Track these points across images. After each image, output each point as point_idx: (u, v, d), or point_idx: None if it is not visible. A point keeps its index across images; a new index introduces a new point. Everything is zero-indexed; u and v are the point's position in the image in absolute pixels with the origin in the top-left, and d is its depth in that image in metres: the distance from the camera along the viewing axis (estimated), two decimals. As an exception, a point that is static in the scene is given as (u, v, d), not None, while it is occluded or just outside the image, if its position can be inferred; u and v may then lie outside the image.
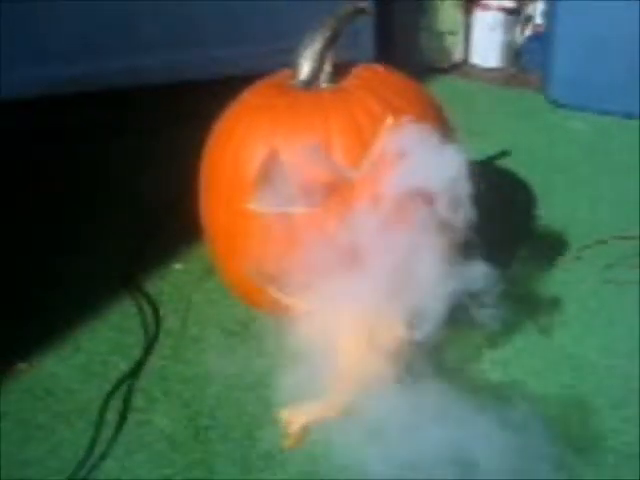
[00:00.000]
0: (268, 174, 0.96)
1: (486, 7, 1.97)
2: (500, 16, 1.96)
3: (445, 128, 1.05)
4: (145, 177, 1.49)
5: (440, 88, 1.90)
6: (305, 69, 1.03)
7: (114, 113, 1.73)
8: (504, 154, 1.58)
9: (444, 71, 1.98)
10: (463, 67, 2.01)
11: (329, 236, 0.93)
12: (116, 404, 1.04)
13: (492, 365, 1.08)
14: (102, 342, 1.15)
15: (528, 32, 2.00)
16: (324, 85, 1.04)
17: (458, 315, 0.96)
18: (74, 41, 1.77)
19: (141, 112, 1.71)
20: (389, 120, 0.97)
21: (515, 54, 1.99)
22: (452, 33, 1.98)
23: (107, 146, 1.63)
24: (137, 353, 1.12)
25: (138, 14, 1.78)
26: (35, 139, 1.66)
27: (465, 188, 0.91)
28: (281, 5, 1.79)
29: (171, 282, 1.27)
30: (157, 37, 1.79)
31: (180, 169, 1.19)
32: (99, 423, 1.00)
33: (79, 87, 1.76)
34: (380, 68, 1.09)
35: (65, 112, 1.71)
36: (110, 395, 1.04)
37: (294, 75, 1.05)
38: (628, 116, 1.68)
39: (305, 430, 0.99)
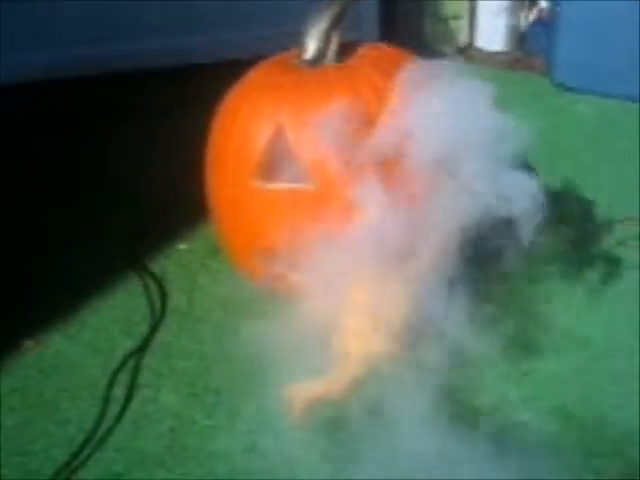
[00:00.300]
0: (274, 151, 0.97)
1: (491, -9, 1.96)
2: (505, 0, 1.95)
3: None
4: (150, 159, 1.49)
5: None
6: (311, 48, 1.04)
7: (117, 95, 1.73)
8: (509, 137, 1.57)
9: (449, 55, 1.98)
10: (468, 51, 2.01)
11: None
12: (123, 380, 1.04)
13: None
14: (108, 320, 1.16)
15: (533, 16, 1.99)
16: (330, 63, 1.04)
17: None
18: (75, 24, 1.76)
19: (144, 94, 1.71)
20: (395, 97, 0.97)
21: (520, 38, 1.99)
22: (457, 17, 1.97)
23: (111, 129, 1.63)
24: (143, 331, 1.13)
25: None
26: (36, 122, 1.66)
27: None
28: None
29: (176, 262, 1.27)
30: (160, 20, 1.78)
31: (184, 151, 1.19)
32: (106, 399, 1.00)
33: (80, 71, 1.75)
34: (385, 46, 1.09)
35: (67, 95, 1.71)
36: (117, 371, 1.05)
37: (300, 54, 1.05)
38: (633, 99, 1.68)
39: (310, 406, 0.99)
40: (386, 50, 1.10)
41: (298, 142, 0.96)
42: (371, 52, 1.07)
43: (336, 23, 1.04)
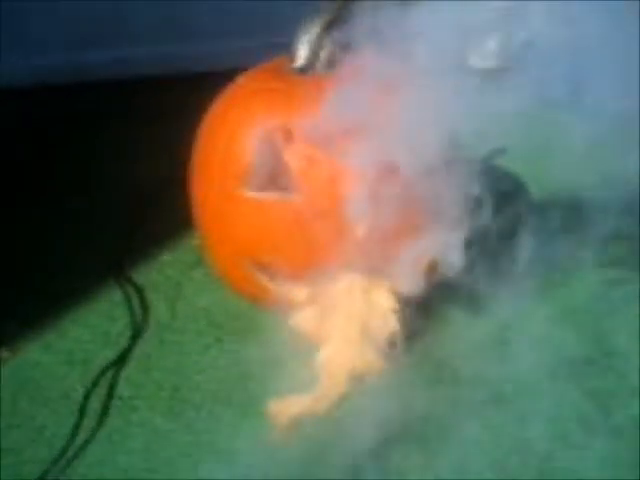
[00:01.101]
0: (262, 159, 0.95)
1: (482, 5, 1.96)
2: (495, 14, 1.95)
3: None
4: (133, 167, 1.47)
5: (436, 86, 1.89)
6: (302, 54, 1.02)
7: (103, 103, 1.70)
8: (500, 152, 1.56)
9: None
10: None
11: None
12: (101, 392, 1.01)
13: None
14: (88, 330, 1.13)
15: (524, 31, 1.99)
16: (321, 71, 1.02)
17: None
18: (60, 31, 1.74)
19: (131, 103, 1.69)
20: (387, 105, 0.95)
21: (510, 52, 1.98)
22: (449, 31, 1.96)
23: (95, 136, 1.61)
24: (123, 342, 1.10)
25: (130, 5, 1.76)
26: (24, 129, 1.64)
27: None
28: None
29: (159, 272, 1.25)
30: (149, 29, 1.77)
31: (169, 160, 1.17)
32: (81, 412, 0.97)
33: (67, 78, 1.73)
34: (378, 54, 1.07)
35: (52, 102, 1.69)
36: (94, 383, 1.02)
37: (291, 61, 1.03)
38: (625, 114, 1.67)
39: (294, 423, 0.97)
40: (380, 58, 1.08)
41: (286, 151, 0.94)
42: (365, 59, 1.05)
43: (329, 29, 1.02)
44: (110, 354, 1.08)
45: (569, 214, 1.18)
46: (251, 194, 0.96)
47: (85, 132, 1.62)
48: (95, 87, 1.73)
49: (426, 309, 1.07)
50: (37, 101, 1.69)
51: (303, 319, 1.02)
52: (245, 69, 1.08)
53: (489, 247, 1.07)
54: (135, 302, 1.18)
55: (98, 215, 1.36)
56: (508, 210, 1.09)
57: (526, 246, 1.13)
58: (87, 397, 0.99)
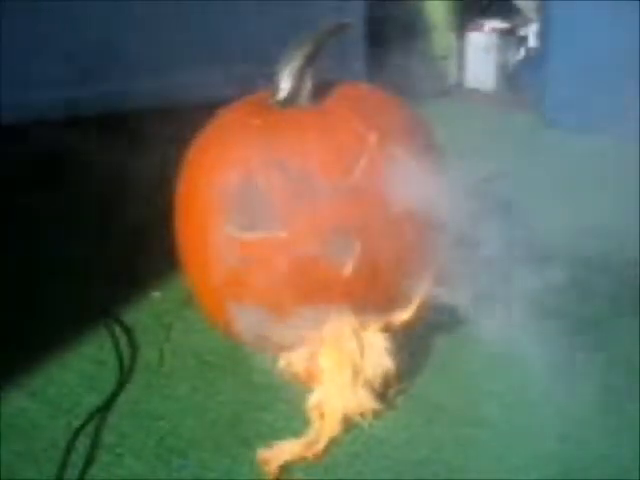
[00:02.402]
0: (244, 196, 0.91)
1: (479, 28, 1.94)
2: (494, 38, 1.93)
3: (431, 147, 1.00)
4: (123, 203, 1.44)
5: (435, 111, 1.85)
6: (284, 87, 0.99)
7: (87, 139, 1.69)
8: (499, 175, 1.54)
9: (439, 94, 1.95)
10: (458, 90, 1.98)
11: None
12: (85, 441, 0.98)
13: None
14: (75, 375, 1.10)
15: (522, 53, 1.96)
16: (304, 104, 0.99)
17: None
18: (58, 67, 1.74)
19: (117, 137, 1.68)
20: (372, 138, 0.92)
21: (509, 76, 1.96)
22: (445, 56, 1.95)
23: (84, 171, 1.59)
24: (111, 387, 1.06)
25: (123, 40, 1.76)
26: (16, 163, 1.62)
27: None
28: (267, 29, 1.76)
29: (149, 311, 1.22)
30: (138, 61, 1.76)
31: (160, 195, 1.14)
32: (63, 464, 0.93)
33: (63, 112, 1.73)
34: (363, 86, 1.04)
35: (44, 137, 1.68)
36: (78, 432, 0.98)
37: (273, 94, 1.01)
38: (622, 137, 1.64)
39: (284, 470, 0.93)
40: (366, 90, 1.06)
41: (268, 187, 0.91)
42: (350, 92, 1.02)
43: (311, 61, 0.99)
44: (97, 400, 1.04)
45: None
46: (234, 233, 0.93)
47: (75, 165, 1.61)
48: (89, 121, 1.72)
49: (419, 346, 1.04)
50: (26, 136, 1.68)
51: (294, 360, 0.98)
52: (233, 99, 1.06)
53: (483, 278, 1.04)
54: (123, 345, 1.15)
55: (86, 255, 1.34)
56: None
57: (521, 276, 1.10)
58: (69, 449, 0.95)
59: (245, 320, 0.98)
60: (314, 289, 0.92)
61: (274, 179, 0.91)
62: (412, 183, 0.90)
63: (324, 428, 0.94)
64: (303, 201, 0.90)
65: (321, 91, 1.00)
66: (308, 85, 0.99)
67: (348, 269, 0.91)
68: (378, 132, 0.92)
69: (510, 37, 1.95)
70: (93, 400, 1.04)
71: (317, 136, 0.92)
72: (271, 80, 1.02)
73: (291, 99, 0.99)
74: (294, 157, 0.91)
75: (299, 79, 0.98)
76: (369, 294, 0.94)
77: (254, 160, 0.92)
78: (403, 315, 0.98)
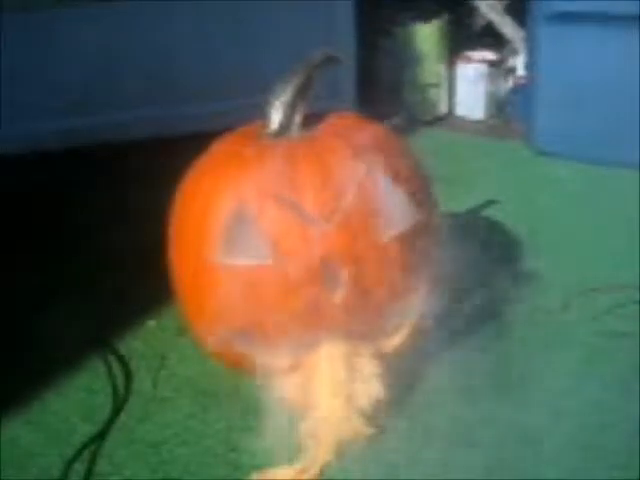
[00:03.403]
0: (236, 226, 0.93)
1: (469, 60, 1.97)
2: (483, 68, 1.96)
3: (419, 177, 1.02)
4: (118, 232, 1.46)
5: (425, 140, 1.89)
6: (275, 119, 1.01)
7: (88, 168, 1.71)
8: (489, 204, 1.55)
9: (429, 123, 1.97)
10: (447, 119, 2.00)
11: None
12: (80, 469, 0.98)
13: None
14: (70, 404, 1.10)
15: (511, 83, 1.99)
16: (295, 135, 1.02)
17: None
18: (55, 97, 1.76)
19: (115, 167, 1.70)
20: (362, 168, 0.95)
21: (499, 105, 1.99)
22: (435, 86, 1.97)
23: (77, 201, 1.60)
24: (106, 415, 1.07)
25: (119, 71, 1.78)
26: (8, 194, 1.64)
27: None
28: (264, 60, 1.79)
29: (144, 339, 1.23)
30: (138, 93, 1.78)
31: (155, 224, 1.16)
32: (58, 493, 0.94)
33: (57, 144, 1.74)
34: (352, 117, 1.07)
35: (38, 168, 1.70)
36: (72, 460, 0.99)
37: (265, 125, 1.03)
38: (613, 165, 1.66)
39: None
40: (356, 121, 1.08)
41: (260, 217, 0.92)
42: (339, 122, 1.05)
43: (301, 93, 1.02)
44: (92, 428, 1.05)
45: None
46: (226, 261, 0.94)
47: (69, 196, 1.62)
48: (86, 152, 1.74)
49: (411, 371, 1.05)
50: (30, 167, 1.69)
51: (286, 387, 0.99)
52: (228, 130, 1.08)
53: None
54: (118, 373, 1.15)
55: (81, 283, 1.35)
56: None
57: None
58: (65, 477, 0.96)
59: (237, 347, 0.99)
60: (305, 316, 0.94)
61: (265, 208, 0.93)
62: (401, 212, 0.92)
63: (317, 454, 0.95)
64: (294, 230, 0.92)
65: (312, 122, 1.03)
66: (299, 116, 1.01)
67: (338, 296, 0.92)
68: (367, 163, 0.95)
69: (499, 67, 1.98)
70: (88, 429, 1.05)
71: (307, 166, 0.95)
72: (262, 111, 1.05)
73: (282, 130, 1.01)
74: (286, 187, 0.93)
75: (290, 111, 1.01)
76: (360, 320, 0.95)
77: (246, 190, 0.94)
78: (394, 341, 1.00)
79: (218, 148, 1.03)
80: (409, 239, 0.95)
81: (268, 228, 0.92)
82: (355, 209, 0.92)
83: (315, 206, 0.92)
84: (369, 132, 1.01)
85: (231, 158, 0.99)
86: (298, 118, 1.01)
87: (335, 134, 1.00)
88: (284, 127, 1.01)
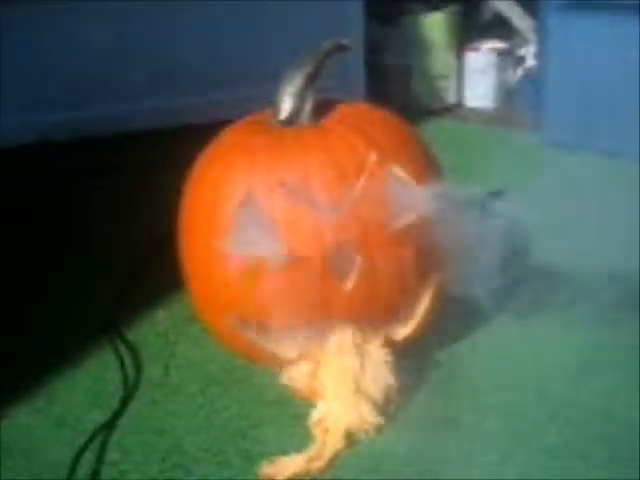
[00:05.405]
0: (244, 216, 0.93)
1: (477, 49, 1.96)
2: (492, 57, 1.95)
3: (430, 165, 1.02)
4: (128, 222, 1.46)
5: (435, 130, 1.88)
6: (285, 107, 1.01)
7: (97, 159, 1.71)
8: (499, 193, 1.54)
9: (438, 113, 1.97)
10: (457, 109, 2.00)
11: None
12: (90, 457, 0.98)
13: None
14: (80, 392, 1.11)
15: (520, 73, 1.98)
16: (305, 123, 1.01)
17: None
18: (59, 89, 1.76)
19: (127, 157, 1.70)
20: (372, 157, 0.94)
21: (508, 95, 1.98)
22: (444, 76, 1.97)
23: (88, 191, 1.61)
24: (115, 403, 1.07)
25: (124, 62, 1.78)
26: (17, 186, 1.64)
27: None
28: (271, 49, 1.79)
29: (154, 328, 1.23)
30: (142, 82, 1.78)
31: (164, 214, 1.16)
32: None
33: (64, 134, 1.75)
34: (363, 105, 1.06)
35: (48, 158, 1.70)
36: (82, 449, 0.99)
37: (274, 114, 1.03)
38: (622, 155, 1.65)
39: (289, 484, 0.93)
40: (366, 109, 1.08)
41: (269, 206, 0.92)
42: (348, 110, 1.04)
43: (311, 81, 1.01)
44: (101, 417, 1.05)
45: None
46: (236, 251, 0.94)
47: (79, 186, 1.62)
48: (91, 143, 1.74)
49: (421, 360, 1.05)
50: (35, 158, 1.70)
51: (296, 376, 0.99)
52: (236, 120, 1.08)
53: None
54: (128, 361, 1.16)
55: (91, 273, 1.35)
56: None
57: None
58: (73, 467, 0.96)
59: (248, 336, 0.99)
60: (316, 305, 0.94)
61: (275, 197, 0.93)
62: (412, 200, 0.91)
63: (327, 443, 0.95)
64: (304, 218, 0.92)
65: (321, 110, 1.02)
66: (309, 105, 1.01)
67: (349, 285, 0.92)
68: (378, 150, 0.94)
69: (508, 57, 1.97)
70: (97, 417, 1.05)
71: (318, 155, 0.94)
72: (269, 102, 1.05)
73: (292, 119, 1.01)
74: (295, 176, 0.92)
75: (300, 99, 1.00)
76: (370, 309, 0.95)
77: (255, 179, 0.94)
78: (404, 330, 0.99)
79: (227, 137, 1.03)
80: (419, 228, 0.94)
81: (278, 217, 0.92)
82: (366, 198, 0.92)
83: (325, 195, 0.92)
84: (380, 121, 1.00)
85: (240, 147, 0.98)
86: (308, 107, 1.01)
87: (345, 123, 0.99)
88: (294, 116, 1.01)
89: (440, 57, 1.95)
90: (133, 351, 1.18)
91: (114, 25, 1.76)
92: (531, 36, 1.97)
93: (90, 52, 1.76)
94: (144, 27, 1.77)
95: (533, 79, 1.88)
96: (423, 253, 0.95)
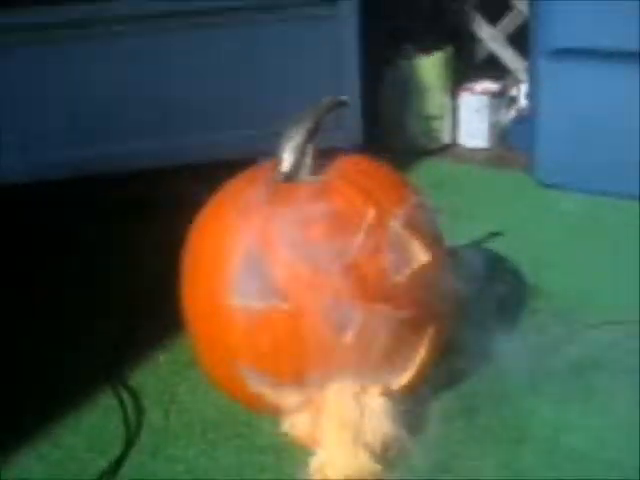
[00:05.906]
0: (247, 269, 0.95)
1: (471, 90, 2.01)
2: (485, 99, 1.99)
3: (425, 216, 1.04)
4: (130, 266, 1.48)
5: (429, 170, 1.91)
6: (286, 162, 1.04)
7: (99, 198, 1.73)
8: (493, 235, 1.57)
9: (433, 153, 2.00)
10: (451, 149, 2.03)
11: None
12: (92, 506, 1.00)
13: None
14: (81, 438, 1.12)
15: (513, 113, 2.02)
16: (305, 177, 1.04)
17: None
18: (59, 128, 1.79)
19: (134, 195, 1.72)
20: (371, 212, 0.97)
21: (502, 135, 2.01)
22: (439, 116, 2.00)
23: (89, 234, 1.63)
24: (117, 450, 1.09)
25: (128, 100, 1.81)
26: (15, 225, 1.66)
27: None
28: (267, 92, 1.82)
29: (155, 374, 1.24)
30: (143, 124, 1.81)
31: (167, 257, 1.18)
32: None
33: (64, 173, 1.77)
34: (362, 159, 1.09)
35: (48, 197, 1.71)
36: (84, 497, 1.00)
37: (276, 167, 1.06)
38: (614, 196, 1.68)
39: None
40: (364, 163, 1.10)
41: (270, 260, 0.95)
42: (349, 166, 1.07)
43: (311, 136, 1.04)
44: (103, 462, 1.06)
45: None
46: (238, 303, 0.97)
47: (78, 228, 1.64)
48: (93, 181, 1.76)
49: (419, 408, 1.06)
50: (28, 197, 1.71)
51: (297, 423, 1.01)
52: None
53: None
54: (129, 406, 1.17)
55: (93, 318, 1.36)
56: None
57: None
58: (76, 514, 0.97)
59: (249, 384, 1.01)
60: (316, 355, 0.96)
61: (275, 252, 0.96)
62: (409, 253, 0.94)
63: (327, 492, 0.96)
64: (303, 273, 0.94)
65: (321, 163, 1.06)
66: (309, 159, 1.04)
67: (349, 337, 0.94)
68: (376, 206, 0.97)
69: (501, 98, 2.01)
70: (99, 463, 1.06)
71: (317, 211, 0.97)
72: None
73: (293, 173, 1.04)
74: (295, 230, 0.95)
75: (301, 153, 1.03)
76: (369, 359, 0.97)
77: (257, 233, 0.97)
78: (401, 379, 1.02)
79: (230, 189, 1.06)
80: (417, 278, 0.97)
81: (279, 271, 0.95)
82: (364, 252, 0.94)
83: (326, 249, 0.94)
84: (378, 176, 1.03)
85: (242, 201, 1.01)
86: (308, 160, 1.04)
87: (345, 178, 1.02)
88: (295, 170, 1.04)
89: (435, 98, 1.99)
90: (134, 397, 1.19)
91: (115, 65, 1.79)
92: (523, 76, 2.02)
93: (91, 92, 1.78)
94: (145, 68, 1.80)
95: (525, 120, 1.91)
96: (419, 305, 0.97)
